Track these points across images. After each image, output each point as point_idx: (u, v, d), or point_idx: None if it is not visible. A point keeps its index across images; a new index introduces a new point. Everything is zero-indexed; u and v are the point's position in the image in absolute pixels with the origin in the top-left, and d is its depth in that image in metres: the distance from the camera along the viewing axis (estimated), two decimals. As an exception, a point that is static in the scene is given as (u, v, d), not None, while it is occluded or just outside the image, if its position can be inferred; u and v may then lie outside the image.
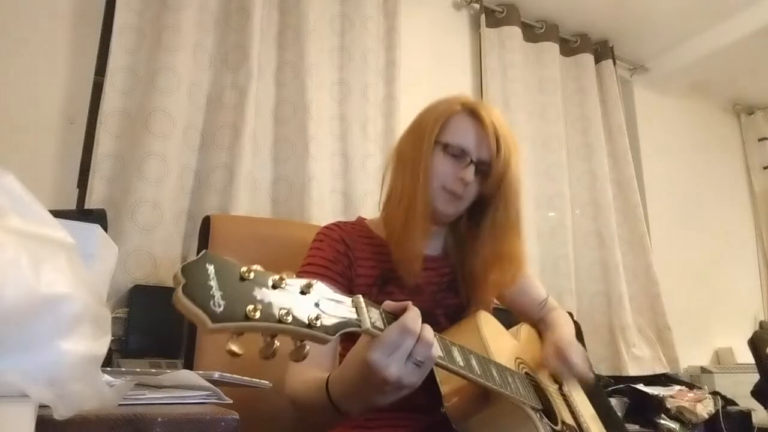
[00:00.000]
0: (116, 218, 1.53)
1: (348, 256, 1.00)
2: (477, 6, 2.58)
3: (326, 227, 1.06)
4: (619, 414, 1.98)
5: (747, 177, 3.51)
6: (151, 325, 1.48)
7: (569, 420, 0.98)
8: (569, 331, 1.10)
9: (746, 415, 2.23)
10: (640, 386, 2.19)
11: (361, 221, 1.12)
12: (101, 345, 0.46)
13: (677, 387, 2.26)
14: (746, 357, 2.37)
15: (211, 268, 0.47)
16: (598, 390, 1.73)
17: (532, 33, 2.71)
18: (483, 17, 2.55)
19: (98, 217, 1.30)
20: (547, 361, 1.02)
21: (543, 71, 2.66)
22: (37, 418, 0.40)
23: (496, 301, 1.18)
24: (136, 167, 1.58)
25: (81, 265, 0.46)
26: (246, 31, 1.82)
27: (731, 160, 3.50)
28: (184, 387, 0.61)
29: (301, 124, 1.86)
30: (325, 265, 0.98)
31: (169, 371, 0.66)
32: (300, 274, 0.64)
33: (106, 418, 0.45)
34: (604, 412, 1.15)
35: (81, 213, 1.45)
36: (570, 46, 2.84)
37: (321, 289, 0.56)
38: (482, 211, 1.04)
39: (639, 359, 2.44)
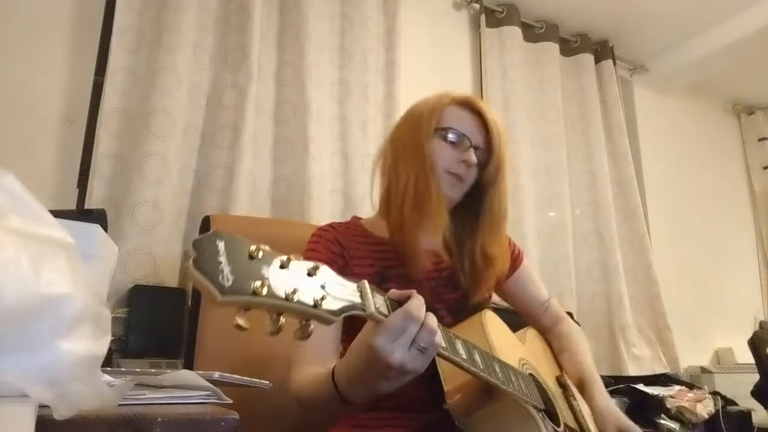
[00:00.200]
0: (116, 218, 1.53)
1: (343, 256, 1.01)
2: (477, 6, 2.58)
3: (320, 228, 1.07)
4: (619, 414, 1.98)
5: (747, 177, 3.51)
6: (151, 325, 1.48)
7: (572, 423, 0.98)
8: (599, 380, 1.09)
9: (746, 415, 2.23)
10: (640, 386, 2.19)
11: (356, 221, 1.12)
12: (101, 345, 0.46)
13: (677, 387, 2.26)
14: (746, 357, 2.37)
15: (221, 244, 0.47)
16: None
17: (532, 33, 2.70)
18: (483, 17, 2.55)
19: (98, 217, 1.30)
20: None
21: (543, 71, 2.66)
22: (37, 418, 0.40)
23: (497, 299, 1.18)
24: (136, 167, 1.58)
25: (81, 265, 0.46)
26: (246, 31, 1.83)
27: (731, 160, 3.50)
28: (184, 387, 0.61)
29: (301, 124, 1.86)
30: None
31: (169, 371, 0.66)
32: None
33: (106, 418, 0.45)
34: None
35: (81, 213, 1.45)
36: (570, 46, 2.84)
37: (327, 273, 0.56)
38: (479, 200, 1.05)
39: (639, 359, 2.44)
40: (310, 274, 0.54)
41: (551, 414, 0.92)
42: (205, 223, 1.30)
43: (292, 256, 0.53)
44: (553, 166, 2.54)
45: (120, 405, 0.48)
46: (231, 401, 0.60)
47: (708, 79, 3.19)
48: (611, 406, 1.05)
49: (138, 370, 0.88)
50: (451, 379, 0.84)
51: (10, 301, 0.39)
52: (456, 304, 1.03)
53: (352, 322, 0.66)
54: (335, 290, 0.56)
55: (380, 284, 0.98)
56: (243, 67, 1.79)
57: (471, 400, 0.84)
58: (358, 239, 1.05)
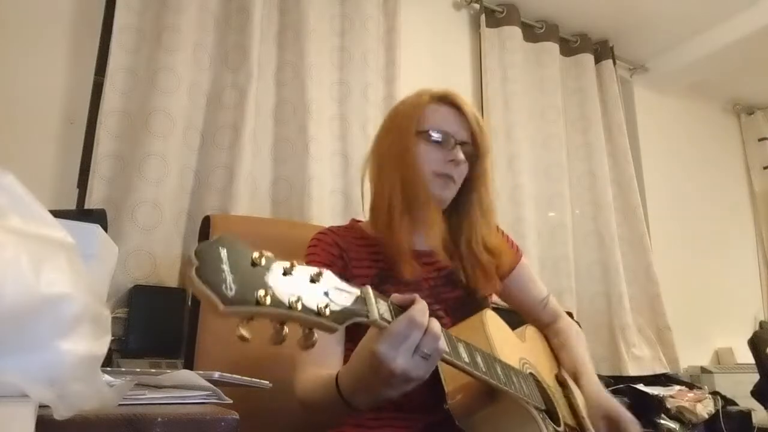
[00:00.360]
0: (116, 218, 1.53)
1: (342, 258, 1.01)
2: (477, 6, 2.58)
3: (319, 232, 1.07)
4: (619, 414, 1.97)
5: (747, 177, 3.52)
6: (151, 325, 1.48)
7: (571, 422, 0.98)
8: (593, 371, 1.10)
9: (746, 415, 2.23)
10: (640, 386, 2.19)
11: (354, 224, 1.12)
12: (101, 345, 0.46)
13: (677, 387, 2.26)
14: (746, 357, 2.37)
15: (223, 252, 0.47)
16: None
17: (532, 33, 2.70)
18: (483, 17, 2.55)
19: (98, 217, 1.30)
20: (598, 429, 1.00)
21: (543, 71, 2.66)
22: (37, 418, 0.40)
23: (497, 298, 1.18)
24: (136, 167, 1.58)
25: (81, 265, 0.46)
26: (246, 31, 1.82)
27: (731, 160, 3.50)
28: (184, 387, 0.61)
29: (301, 124, 1.86)
30: None
31: (169, 371, 0.66)
32: None
33: (106, 418, 0.45)
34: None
35: (81, 213, 1.45)
36: (570, 46, 2.84)
37: (330, 279, 0.56)
38: (468, 193, 1.05)
39: (639, 359, 2.44)
40: (313, 281, 0.53)
41: (552, 413, 0.92)
42: (205, 223, 1.29)
43: (295, 262, 0.52)
44: (553, 166, 2.54)
45: (120, 405, 0.48)
46: (231, 401, 0.60)
47: (708, 79, 3.18)
48: (601, 395, 1.04)
49: (138, 370, 0.88)
50: (452, 379, 0.84)
51: (10, 301, 0.39)
52: (455, 303, 1.03)
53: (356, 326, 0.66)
54: (338, 297, 0.56)
55: (380, 285, 0.99)
56: (243, 67, 1.79)
57: (472, 400, 0.84)
58: (356, 242, 1.05)
